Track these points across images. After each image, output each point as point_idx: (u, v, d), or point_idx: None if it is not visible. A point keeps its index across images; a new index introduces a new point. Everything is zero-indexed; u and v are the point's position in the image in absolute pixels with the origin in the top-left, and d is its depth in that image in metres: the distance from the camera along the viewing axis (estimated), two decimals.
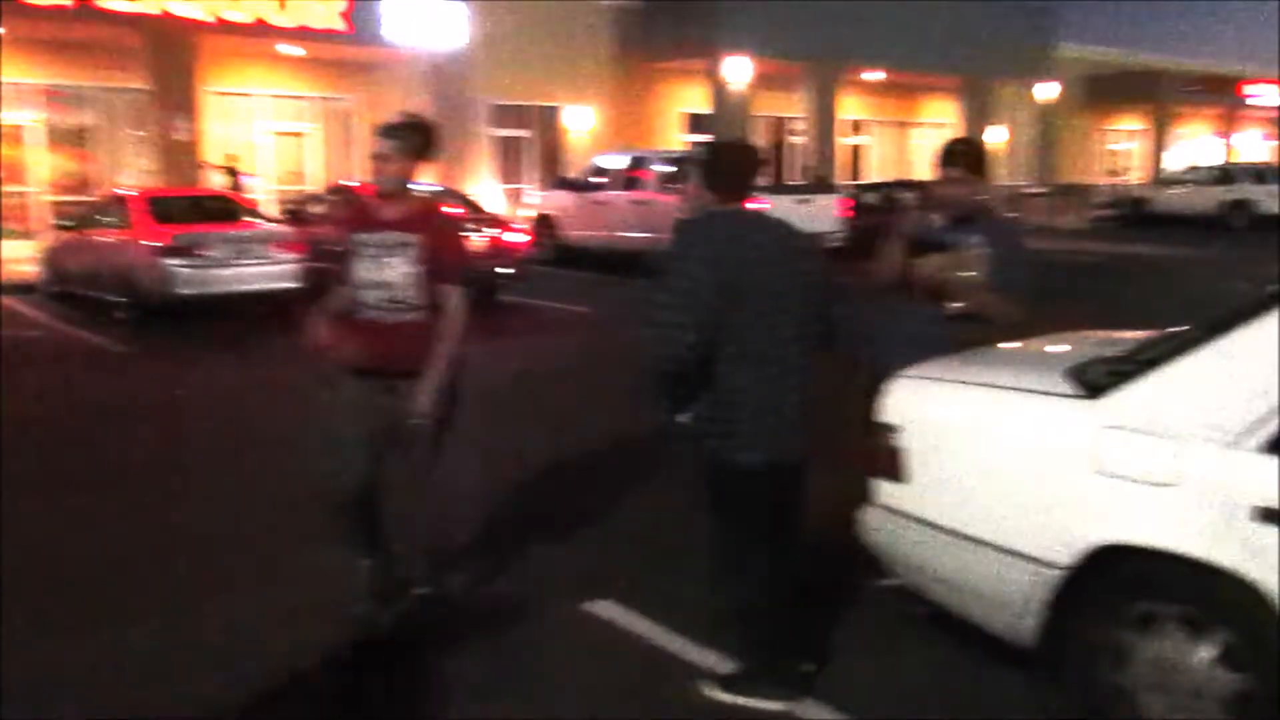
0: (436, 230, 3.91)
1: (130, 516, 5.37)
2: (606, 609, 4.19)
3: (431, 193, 12.90)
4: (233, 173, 17.79)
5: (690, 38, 23.03)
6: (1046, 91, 30.81)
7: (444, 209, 4.90)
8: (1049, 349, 3.93)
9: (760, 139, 25.51)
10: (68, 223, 14.22)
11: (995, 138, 28.85)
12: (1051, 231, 22.93)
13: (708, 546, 3.63)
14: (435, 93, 20.18)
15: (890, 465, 3.59)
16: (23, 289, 14.06)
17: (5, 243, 17.12)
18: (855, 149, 29.41)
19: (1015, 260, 4.14)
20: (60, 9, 15.80)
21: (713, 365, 3.26)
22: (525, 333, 11.15)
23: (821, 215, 16.83)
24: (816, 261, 3.53)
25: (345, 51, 19.48)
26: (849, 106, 27.65)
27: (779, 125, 27.14)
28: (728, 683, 3.50)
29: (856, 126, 29.34)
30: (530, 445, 6.50)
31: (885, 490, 3.65)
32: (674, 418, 3.40)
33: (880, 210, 17.39)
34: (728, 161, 3.50)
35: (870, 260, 4.33)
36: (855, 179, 26.11)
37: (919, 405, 3.60)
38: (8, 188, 17.77)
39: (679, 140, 24.70)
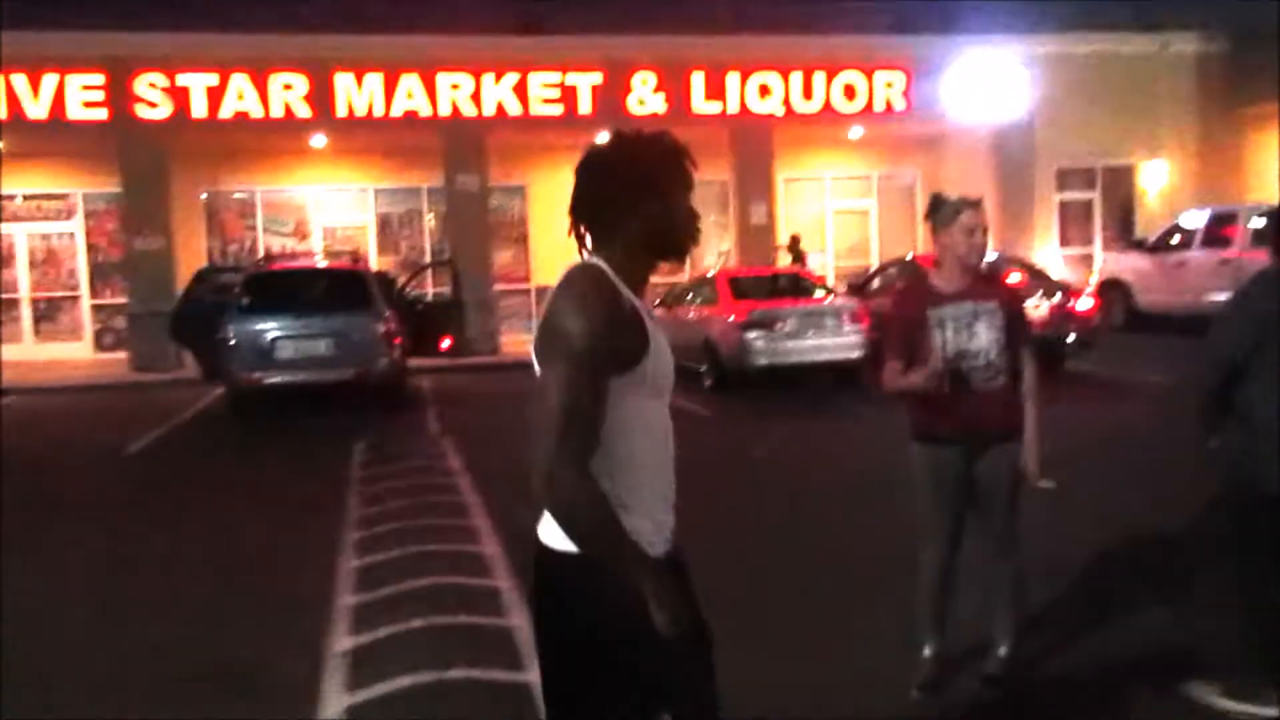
0: (1008, 297, 4.04)
1: (730, 560, 6.03)
2: (1204, 693, 3.91)
3: (997, 260, 12.91)
4: (796, 250, 19.06)
5: None
6: None
7: (1005, 276, 5.00)
8: None
9: None
10: (661, 300, 16.21)
11: None
12: None
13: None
14: (996, 161, 20.05)
15: None
16: None
17: None
18: None
19: None
20: (661, 116, 18.09)
21: (1245, 404, 3.53)
22: (1090, 402, 10.65)
23: None
24: None
25: (904, 128, 20.07)
26: None
27: None
28: None
29: None
30: (1099, 515, 6.26)
31: None
32: (1211, 462, 3.64)
33: None
34: None
35: None
36: None
37: None
38: None
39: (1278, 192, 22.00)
